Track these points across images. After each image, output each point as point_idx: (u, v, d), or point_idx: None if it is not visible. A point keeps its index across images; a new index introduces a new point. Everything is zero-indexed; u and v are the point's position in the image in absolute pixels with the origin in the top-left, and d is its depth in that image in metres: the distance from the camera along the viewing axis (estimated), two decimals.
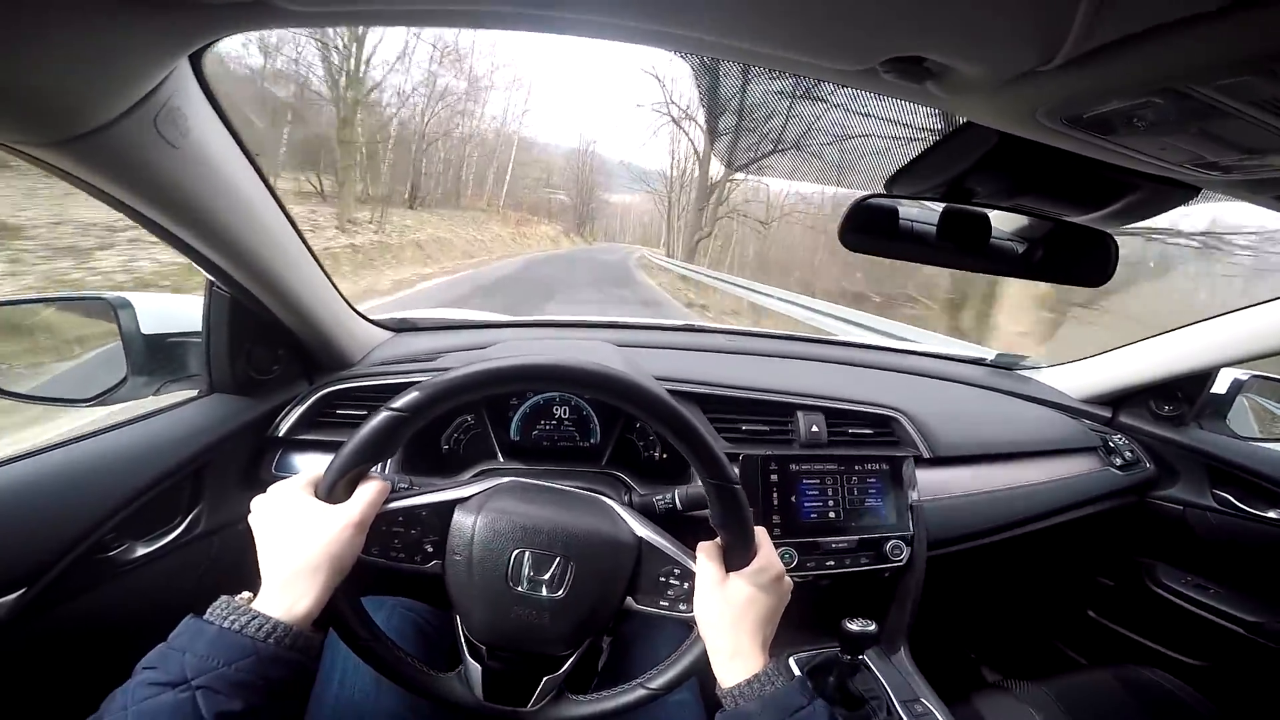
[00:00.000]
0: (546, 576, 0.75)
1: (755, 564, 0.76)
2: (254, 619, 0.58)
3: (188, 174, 0.74)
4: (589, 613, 0.78)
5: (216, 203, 0.81)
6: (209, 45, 0.59)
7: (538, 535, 0.75)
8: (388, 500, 0.73)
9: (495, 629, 0.78)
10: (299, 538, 0.65)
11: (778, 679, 0.69)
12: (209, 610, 0.59)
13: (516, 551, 0.74)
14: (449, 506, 0.77)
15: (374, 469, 0.73)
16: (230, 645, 0.56)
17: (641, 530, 0.80)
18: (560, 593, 0.75)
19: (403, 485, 0.99)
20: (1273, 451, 1.48)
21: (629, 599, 0.79)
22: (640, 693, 0.78)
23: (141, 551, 0.97)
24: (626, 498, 1.12)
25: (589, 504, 0.82)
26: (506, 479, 0.82)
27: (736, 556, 0.76)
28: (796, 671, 1.08)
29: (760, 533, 0.79)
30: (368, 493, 0.69)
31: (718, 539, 0.78)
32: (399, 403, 0.70)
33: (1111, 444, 1.56)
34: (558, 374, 0.73)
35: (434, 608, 1.06)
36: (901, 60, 0.47)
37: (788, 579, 0.79)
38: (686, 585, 0.78)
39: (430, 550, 0.76)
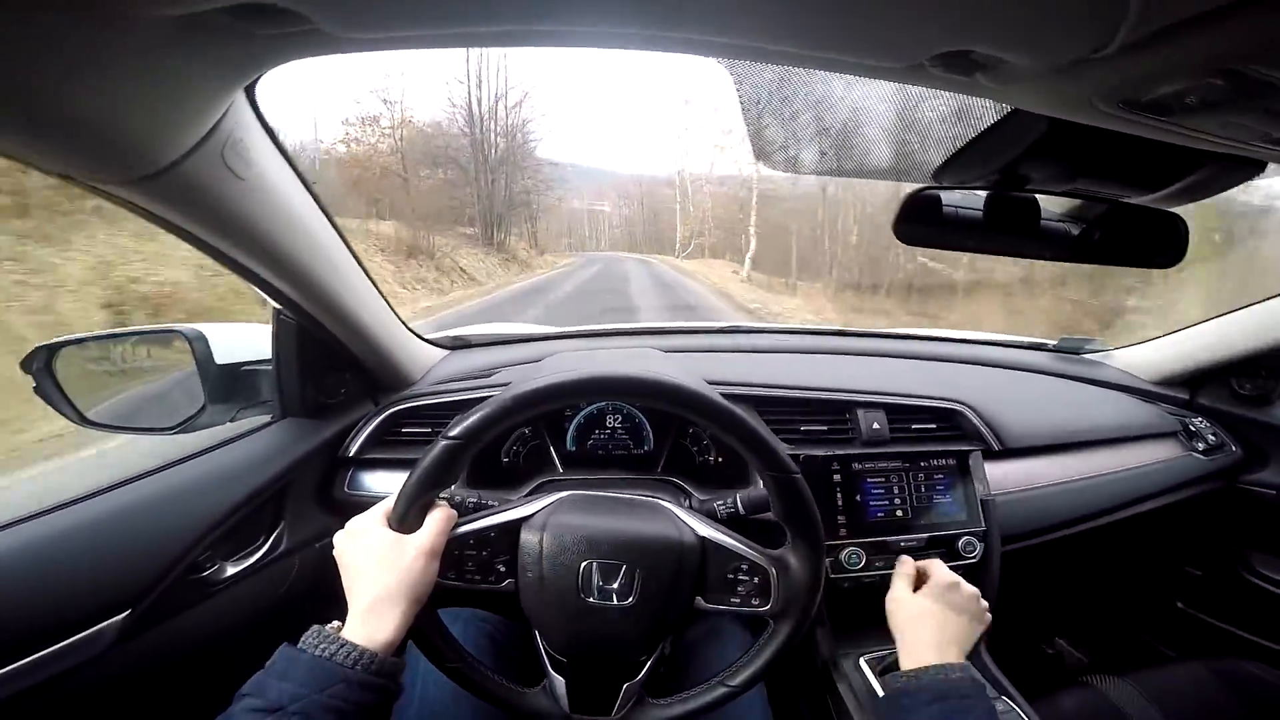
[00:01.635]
0: (615, 585, 0.76)
1: (934, 582, 0.94)
2: (342, 647, 0.62)
3: (254, 205, 0.78)
4: (660, 616, 0.78)
5: (281, 232, 0.84)
6: (261, 76, 0.62)
7: (602, 545, 0.76)
8: (456, 525, 0.75)
9: (572, 640, 0.80)
10: (377, 569, 0.68)
11: (953, 673, 0.78)
12: (302, 639, 0.63)
13: (585, 564, 0.75)
14: (515, 526, 0.78)
15: (444, 492, 0.76)
16: (322, 673, 0.60)
17: (704, 530, 0.81)
18: (630, 600, 0.76)
19: (471, 501, 1.02)
20: None
21: (699, 599, 0.79)
22: (720, 690, 0.79)
23: (231, 571, 1.03)
24: (686, 503, 1.12)
25: (649, 509, 0.83)
26: (566, 493, 0.83)
27: (805, 551, 0.78)
28: (868, 671, 1.08)
29: (938, 563, 0.99)
30: (437, 520, 0.72)
31: (909, 567, 1.00)
32: (455, 430, 0.72)
33: (1192, 428, 1.48)
34: (597, 386, 0.75)
35: (506, 619, 1.08)
36: (949, 55, 0.46)
37: (968, 589, 0.94)
38: (756, 580, 0.78)
39: (503, 570, 0.78)
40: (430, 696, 0.89)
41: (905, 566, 1.01)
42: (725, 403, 0.75)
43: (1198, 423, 1.49)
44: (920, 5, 0.42)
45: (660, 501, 0.85)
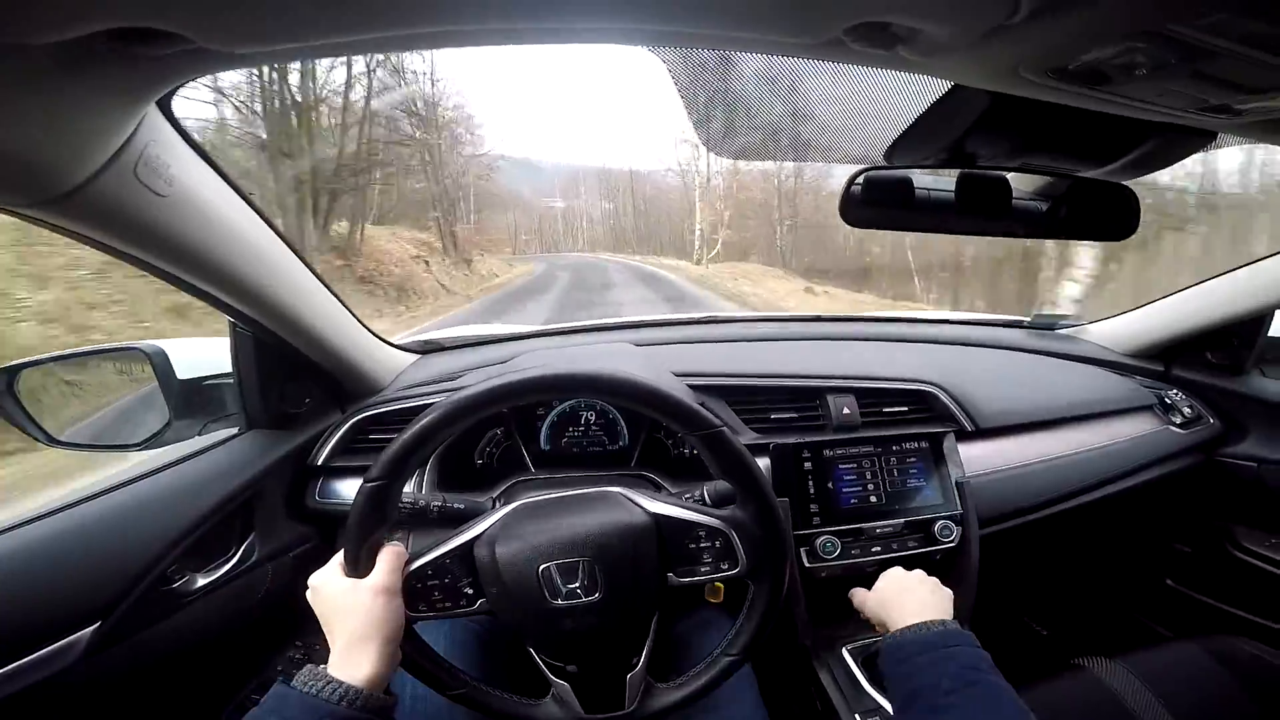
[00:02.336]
0: (578, 583, 0.75)
1: (895, 571, 0.99)
2: (329, 684, 0.64)
3: (180, 219, 0.76)
4: (633, 601, 0.78)
5: (215, 244, 0.83)
6: (167, 93, 0.61)
7: (555, 546, 0.76)
8: (409, 560, 0.76)
9: (557, 644, 0.80)
10: (342, 615, 0.70)
11: (943, 626, 0.80)
12: (295, 678, 0.65)
13: (542, 568, 0.75)
14: (467, 548, 0.78)
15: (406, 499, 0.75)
16: (311, 709, 0.62)
17: (653, 507, 0.80)
18: (598, 593, 0.75)
19: (435, 505, 1.02)
20: None
21: (670, 575, 0.79)
22: (724, 661, 0.79)
23: (202, 582, 1.02)
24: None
25: (597, 500, 0.82)
26: (512, 505, 0.82)
27: (754, 502, 0.79)
28: (850, 660, 1.08)
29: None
30: (385, 558, 0.73)
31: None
32: (374, 472, 0.73)
33: (1168, 400, 1.48)
34: (497, 394, 0.75)
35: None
36: (866, 26, 0.46)
37: (917, 571, 0.97)
38: (718, 544, 0.78)
39: (471, 593, 0.77)
40: (420, 711, 0.90)
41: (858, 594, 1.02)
42: (631, 376, 0.75)
43: (1174, 395, 1.49)
44: None
45: (608, 489, 0.84)
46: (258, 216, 0.91)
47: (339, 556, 0.75)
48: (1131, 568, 1.73)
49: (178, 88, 0.59)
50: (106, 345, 1.14)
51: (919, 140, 0.76)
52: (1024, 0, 0.38)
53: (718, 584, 1.04)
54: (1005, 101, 0.61)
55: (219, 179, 0.82)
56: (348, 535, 0.73)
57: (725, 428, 0.76)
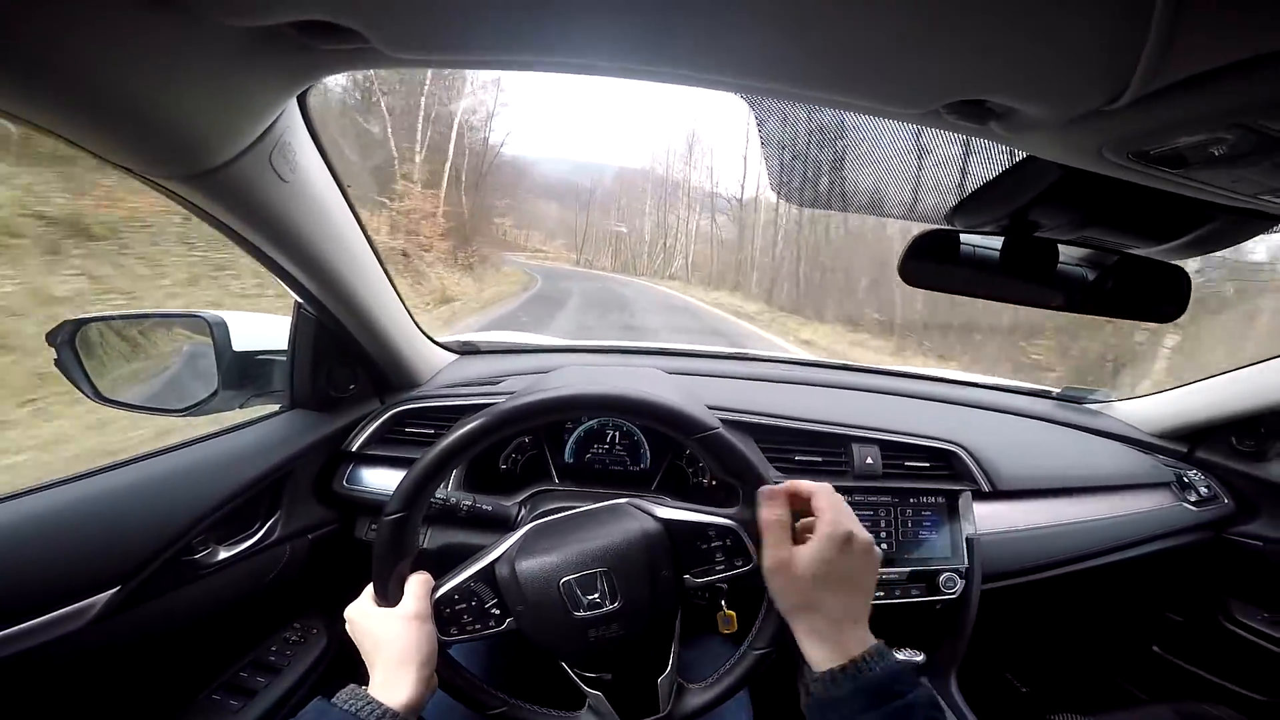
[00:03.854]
0: (597, 594, 0.77)
1: (821, 529, 0.70)
2: (368, 704, 0.66)
3: (294, 206, 0.81)
4: (652, 606, 0.79)
5: (316, 232, 0.88)
6: (311, 86, 0.65)
7: (573, 560, 0.77)
8: (436, 587, 0.78)
9: (586, 655, 0.81)
10: (378, 644, 0.73)
11: (877, 663, 0.65)
12: (336, 695, 0.68)
13: (563, 582, 0.76)
14: (489, 570, 0.79)
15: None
16: None
17: (663, 512, 0.82)
18: (618, 601, 0.77)
19: (466, 504, 1.04)
20: None
21: (686, 577, 0.80)
22: (754, 655, 0.80)
23: (223, 555, 1.04)
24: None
25: (608, 512, 0.84)
26: (528, 526, 0.84)
27: (752, 500, 0.77)
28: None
29: (824, 491, 0.73)
30: (415, 586, 0.76)
31: (777, 511, 0.74)
32: (392, 505, 0.75)
33: (1186, 479, 1.49)
34: (512, 418, 0.77)
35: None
36: (964, 104, 0.48)
37: (863, 538, 0.71)
38: (729, 542, 0.79)
39: (499, 613, 0.79)
40: None
41: (774, 506, 0.74)
42: (626, 390, 0.77)
43: (1192, 474, 1.50)
44: (936, 55, 0.44)
45: (617, 501, 0.86)
46: (352, 212, 0.95)
47: (370, 589, 0.78)
48: (1120, 632, 1.74)
49: (320, 80, 0.63)
50: (172, 310, 1.17)
51: (983, 205, 0.78)
52: (1129, 90, 0.41)
53: (730, 614, 1.05)
54: (1076, 176, 0.63)
55: (328, 172, 0.87)
56: (375, 568, 0.76)
57: (721, 428, 0.77)
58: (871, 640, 0.69)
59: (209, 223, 0.77)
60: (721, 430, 0.78)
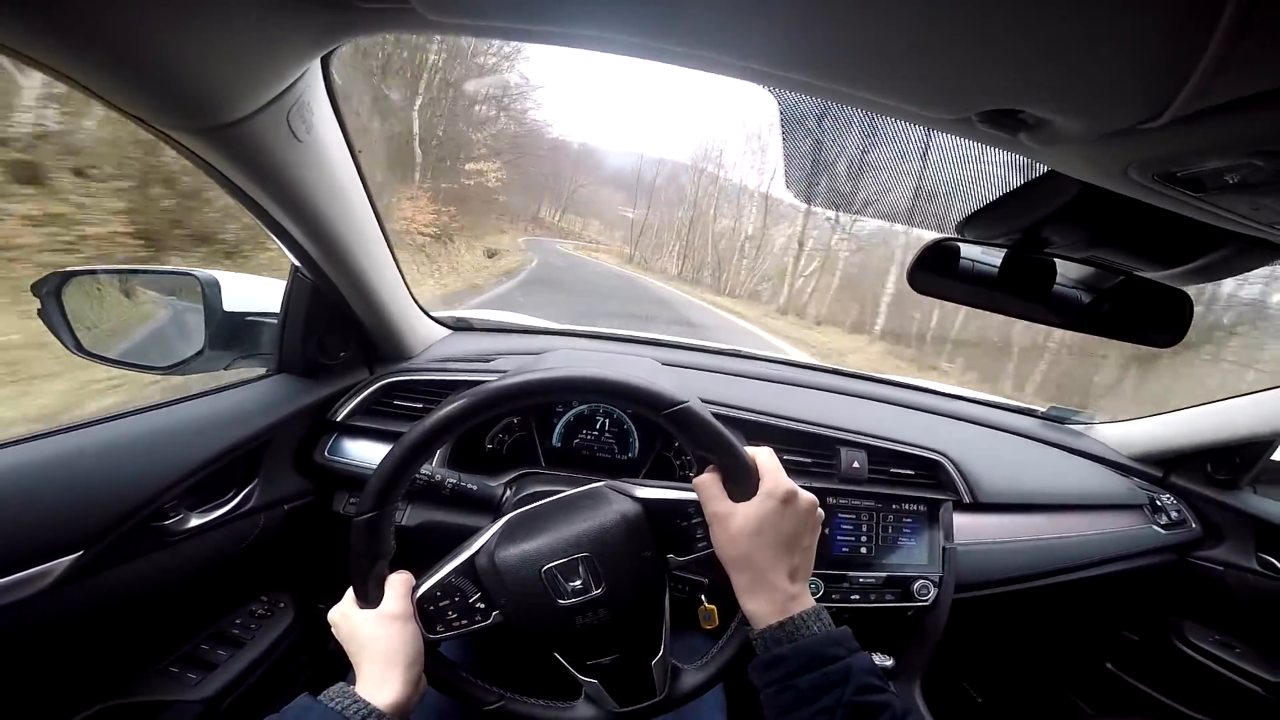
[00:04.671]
0: (580, 581, 0.76)
1: (762, 488, 0.72)
2: (354, 702, 0.65)
3: (305, 167, 0.79)
4: (637, 589, 0.79)
5: (322, 196, 0.86)
6: (340, 46, 0.63)
7: (553, 548, 0.77)
8: (416, 585, 0.77)
9: (576, 643, 0.80)
10: (363, 645, 0.72)
11: (815, 624, 0.67)
12: (324, 693, 0.67)
13: (545, 570, 0.75)
14: (469, 564, 0.78)
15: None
16: None
17: (640, 492, 0.81)
18: (601, 587, 0.76)
19: (451, 481, 1.03)
20: None
21: (670, 557, 0.80)
22: (744, 631, 0.79)
23: (194, 522, 1.01)
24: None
25: (588, 497, 0.83)
26: (503, 520, 0.83)
27: (735, 478, 0.75)
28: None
29: (765, 453, 0.76)
30: (395, 585, 0.75)
31: (709, 470, 0.75)
32: (363, 505, 0.73)
33: (1159, 503, 1.52)
34: (489, 401, 0.75)
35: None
36: (998, 112, 0.48)
37: (805, 497, 0.74)
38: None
39: (483, 606, 0.78)
40: None
41: (708, 474, 0.76)
42: (593, 371, 0.76)
43: (1165, 499, 1.53)
44: (978, 61, 0.43)
45: (597, 485, 0.85)
46: (361, 180, 0.94)
47: (350, 592, 0.76)
48: (1076, 647, 1.78)
49: (350, 40, 0.61)
50: (164, 267, 1.15)
51: (997, 218, 0.78)
52: (1169, 110, 0.40)
53: (710, 608, 1.05)
54: (1092, 193, 0.64)
55: (343, 137, 0.85)
56: (352, 569, 0.74)
57: (690, 402, 0.75)
58: (811, 602, 0.71)
59: (215, 179, 0.75)
60: (691, 404, 0.75)
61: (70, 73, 0.54)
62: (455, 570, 0.78)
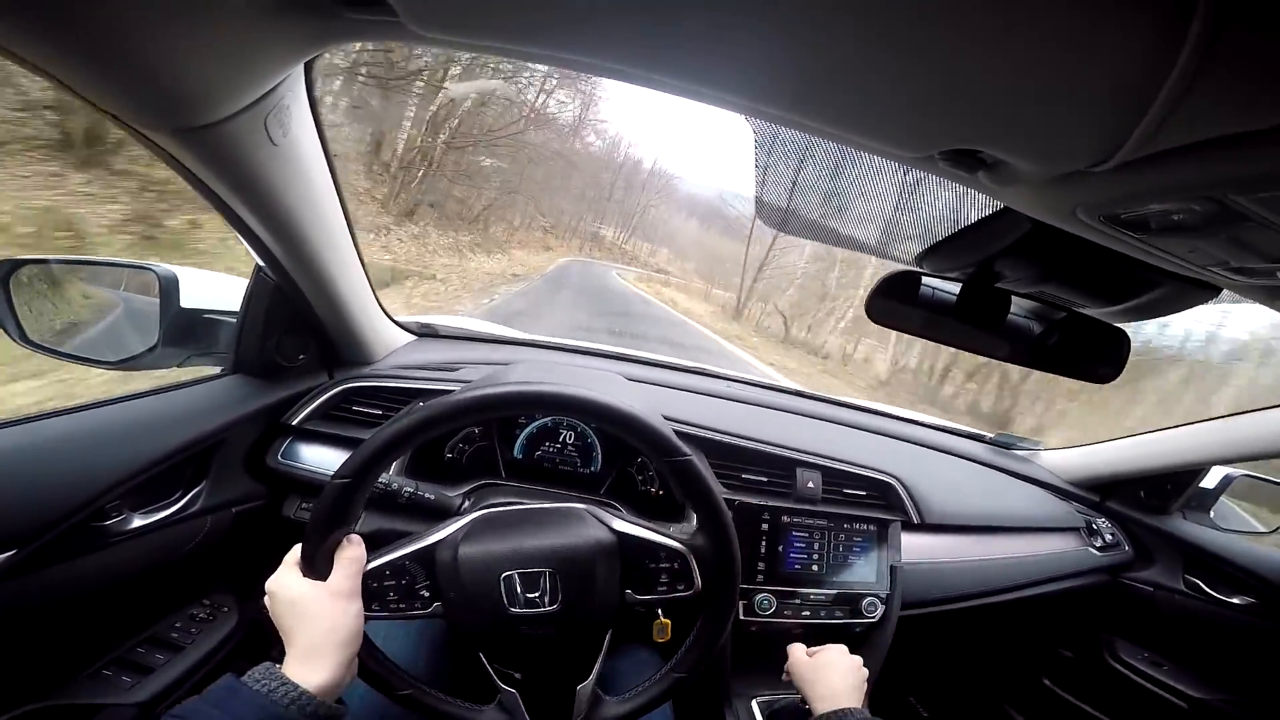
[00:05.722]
0: (538, 593, 0.77)
1: (831, 646, 1.06)
2: (282, 684, 0.62)
3: (278, 170, 0.78)
4: (590, 615, 0.80)
5: (294, 199, 0.85)
6: (324, 53, 0.63)
7: (519, 556, 0.77)
8: (369, 560, 0.75)
9: (510, 651, 0.80)
10: (300, 622, 0.68)
11: (859, 714, 0.88)
12: (248, 673, 0.63)
13: (505, 575, 0.76)
14: (429, 551, 0.78)
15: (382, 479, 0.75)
16: (259, 708, 0.60)
17: (618, 525, 0.82)
18: (557, 605, 0.77)
19: (408, 490, 1.02)
20: (1247, 544, 1.52)
21: (628, 593, 0.81)
22: (674, 677, 0.81)
23: (137, 523, 0.98)
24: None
25: (565, 515, 0.84)
26: (479, 512, 0.83)
27: (713, 528, 0.81)
28: (758, 713, 1.13)
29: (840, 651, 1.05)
30: (345, 560, 0.72)
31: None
32: (344, 469, 0.72)
33: (1095, 526, 1.60)
34: (482, 405, 0.76)
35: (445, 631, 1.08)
36: (960, 152, 0.50)
37: (861, 670, 1.02)
38: (676, 566, 0.81)
39: (427, 595, 0.77)
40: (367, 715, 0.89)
41: (797, 651, 1.09)
42: (614, 400, 0.78)
43: (1100, 522, 1.61)
44: (943, 104, 0.45)
45: (575, 505, 0.86)
46: (334, 184, 0.93)
47: (293, 556, 0.73)
48: (1015, 664, 1.85)
49: (333, 48, 0.61)
50: (121, 260, 1.11)
51: (953, 251, 0.81)
52: (1118, 154, 0.43)
53: (665, 622, 1.06)
54: (1043, 232, 0.67)
55: (319, 140, 0.85)
56: (308, 533, 0.72)
57: (693, 457, 0.79)
58: (864, 710, 0.92)
59: (184, 176, 0.74)
60: (693, 459, 0.79)
61: (46, 66, 0.53)
62: (412, 554, 0.77)
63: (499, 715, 0.80)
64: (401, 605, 0.76)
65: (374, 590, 0.75)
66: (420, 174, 14.66)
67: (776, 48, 0.44)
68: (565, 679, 0.81)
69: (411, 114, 14.34)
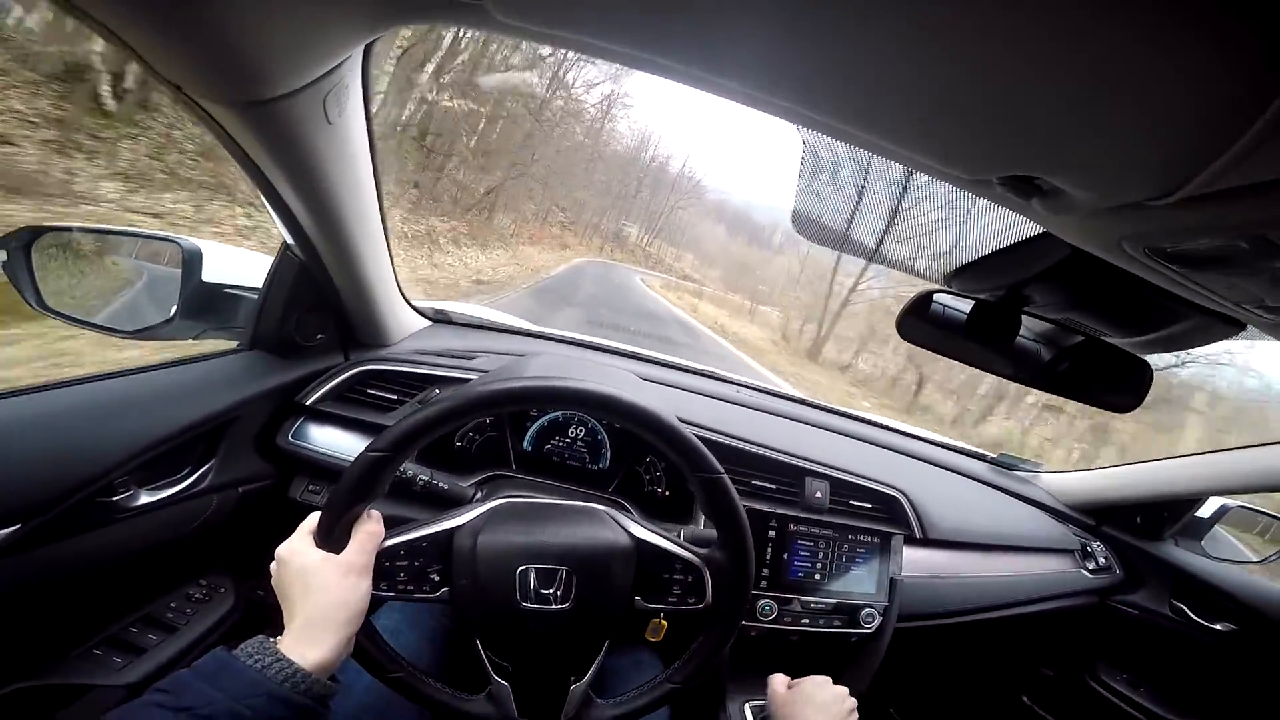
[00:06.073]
0: (553, 590, 0.77)
1: (813, 678, 1.01)
2: (277, 660, 0.60)
3: (328, 151, 0.78)
4: (600, 617, 0.80)
5: (336, 180, 0.85)
6: (389, 32, 0.62)
7: (539, 551, 0.77)
8: (386, 537, 0.74)
9: (512, 645, 0.80)
10: (306, 591, 0.67)
11: None
12: (239, 647, 0.62)
13: (521, 569, 0.76)
14: (447, 535, 0.78)
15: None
16: (247, 683, 0.58)
17: (639, 532, 0.83)
18: (569, 603, 0.77)
19: (423, 478, 1.02)
20: (1234, 570, 1.55)
21: (637, 599, 0.81)
22: (667, 687, 0.82)
23: (144, 500, 0.96)
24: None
25: (586, 515, 0.85)
26: (501, 501, 0.83)
27: (733, 548, 0.82)
28: (750, 717, 1.13)
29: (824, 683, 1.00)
30: (363, 535, 0.71)
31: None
32: (380, 442, 0.72)
33: (1089, 549, 1.62)
34: (532, 394, 0.77)
35: (446, 624, 1.08)
36: (1017, 178, 0.50)
37: (846, 702, 0.99)
38: (690, 579, 0.82)
39: (437, 579, 0.77)
40: (368, 704, 0.88)
41: (776, 683, 1.05)
42: (655, 409, 0.78)
43: (1095, 546, 1.63)
44: (1012, 128, 0.45)
45: (597, 507, 0.87)
46: (373, 167, 0.93)
47: (308, 524, 0.72)
48: (996, 680, 1.87)
49: (407, 27, 0.61)
50: (144, 230, 1.11)
51: (988, 272, 0.82)
52: (1182, 189, 0.42)
53: (662, 622, 1.07)
54: (1081, 260, 0.67)
55: (366, 126, 0.84)
56: (330, 503, 0.71)
57: (725, 476, 0.80)
58: None
59: (232, 152, 0.73)
60: (725, 478, 0.80)
61: (118, 30, 0.52)
62: (430, 537, 0.77)
63: (487, 707, 0.80)
64: (410, 587, 0.76)
65: (385, 569, 0.74)
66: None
67: (840, 56, 0.44)
68: (559, 676, 0.82)
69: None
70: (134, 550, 0.99)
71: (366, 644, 0.75)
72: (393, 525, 0.77)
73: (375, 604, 0.73)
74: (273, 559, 0.71)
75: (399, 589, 0.76)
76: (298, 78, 0.62)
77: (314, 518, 0.72)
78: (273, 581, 0.70)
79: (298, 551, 0.69)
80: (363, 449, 0.72)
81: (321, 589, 0.66)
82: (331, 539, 0.70)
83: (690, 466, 0.80)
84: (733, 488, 0.81)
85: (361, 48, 0.68)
